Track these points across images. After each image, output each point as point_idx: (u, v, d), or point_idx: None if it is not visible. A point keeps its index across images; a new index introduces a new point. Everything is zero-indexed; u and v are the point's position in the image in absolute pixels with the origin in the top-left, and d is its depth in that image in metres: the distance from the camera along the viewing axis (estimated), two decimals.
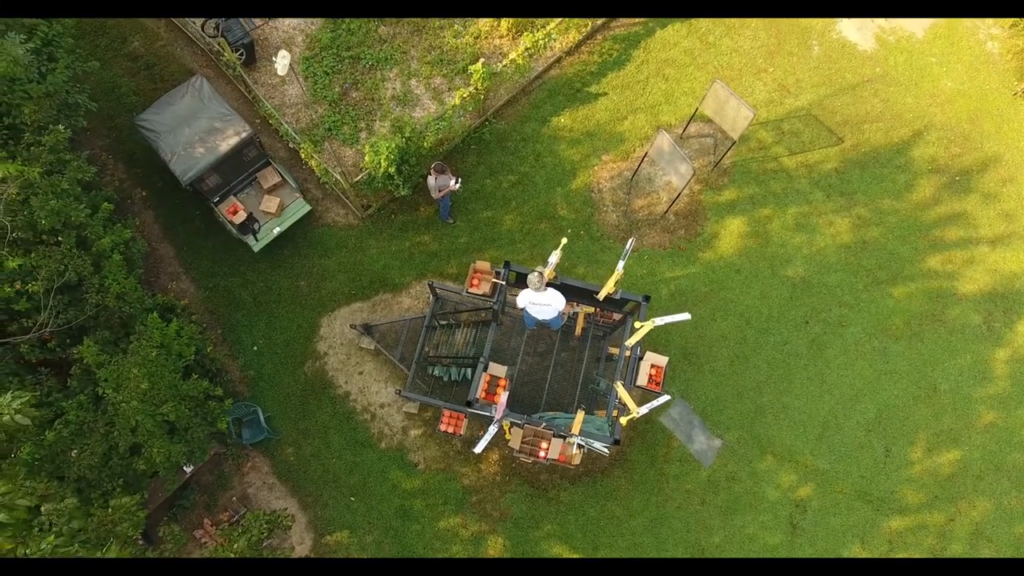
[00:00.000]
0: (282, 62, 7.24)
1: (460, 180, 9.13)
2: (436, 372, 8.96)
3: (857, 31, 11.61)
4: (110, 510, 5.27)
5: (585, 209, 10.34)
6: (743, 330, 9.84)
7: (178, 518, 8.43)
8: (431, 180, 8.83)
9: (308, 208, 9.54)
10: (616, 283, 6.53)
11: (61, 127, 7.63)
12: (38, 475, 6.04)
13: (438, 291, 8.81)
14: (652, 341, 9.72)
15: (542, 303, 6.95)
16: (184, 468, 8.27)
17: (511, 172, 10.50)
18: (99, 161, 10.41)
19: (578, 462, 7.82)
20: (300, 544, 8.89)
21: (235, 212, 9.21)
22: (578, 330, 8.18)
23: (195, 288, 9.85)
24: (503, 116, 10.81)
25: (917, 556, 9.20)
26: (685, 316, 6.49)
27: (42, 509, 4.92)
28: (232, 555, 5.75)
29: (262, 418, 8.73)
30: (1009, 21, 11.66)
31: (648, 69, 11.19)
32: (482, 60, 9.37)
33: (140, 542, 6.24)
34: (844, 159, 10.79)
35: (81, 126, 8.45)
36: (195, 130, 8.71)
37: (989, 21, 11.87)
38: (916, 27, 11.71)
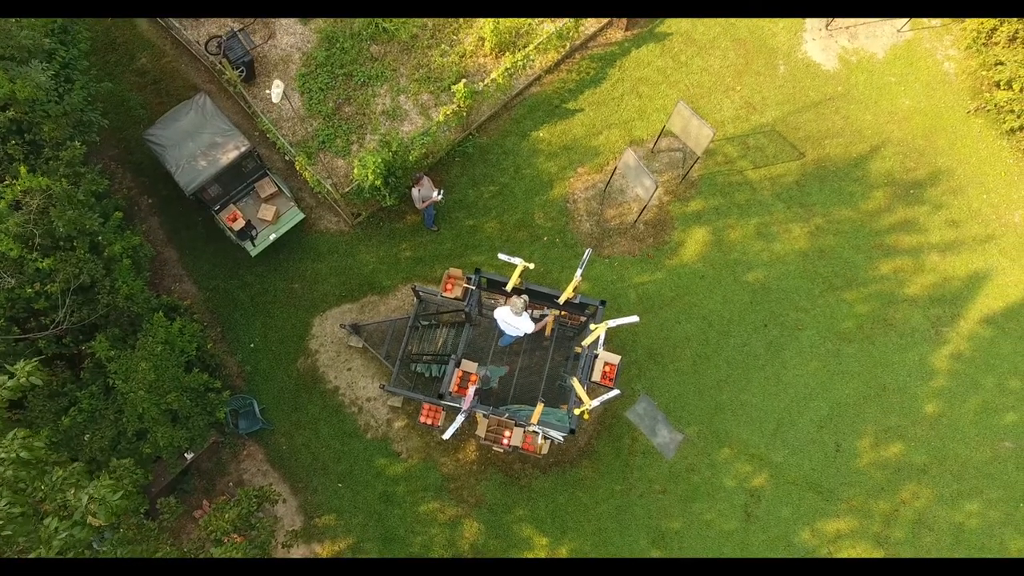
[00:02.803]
0: (276, 91, 7.99)
1: (442, 192, 9.87)
2: (418, 368, 9.70)
3: (821, 51, 12.33)
4: (112, 469, 6.02)
5: (560, 218, 11.08)
6: (705, 332, 10.57)
7: (180, 499, 9.18)
8: (415, 192, 9.57)
9: (302, 216, 10.29)
10: (575, 289, 7.25)
11: (77, 143, 8.39)
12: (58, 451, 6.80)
13: (421, 295, 9.56)
14: (620, 341, 10.48)
15: (513, 323, 7.71)
16: (185, 455, 9.02)
17: (492, 183, 11.24)
18: (109, 171, 11.18)
19: (545, 451, 8.55)
20: (292, 526, 9.63)
21: (234, 219, 9.96)
22: (547, 331, 8.90)
23: (197, 289, 10.61)
24: (486, 130, 11.56)
25: (863, 542, 9.91)
26: (634, 319, 7.20)
27: (56, 472, 5.66)
28: (225, 525, 6.46)
29: (257, 410, 9.49)
30: (965, 43, 12.39)
31: (623, 87, 11.92)
32: (464, 81, 10.12)
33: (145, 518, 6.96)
34: (805, 172, 11.51)
35: (95, 141, 9.22)
36: (198, 144, 9.48)
37: (947, 42, 12.59)
38: (877, 48, 12.42)
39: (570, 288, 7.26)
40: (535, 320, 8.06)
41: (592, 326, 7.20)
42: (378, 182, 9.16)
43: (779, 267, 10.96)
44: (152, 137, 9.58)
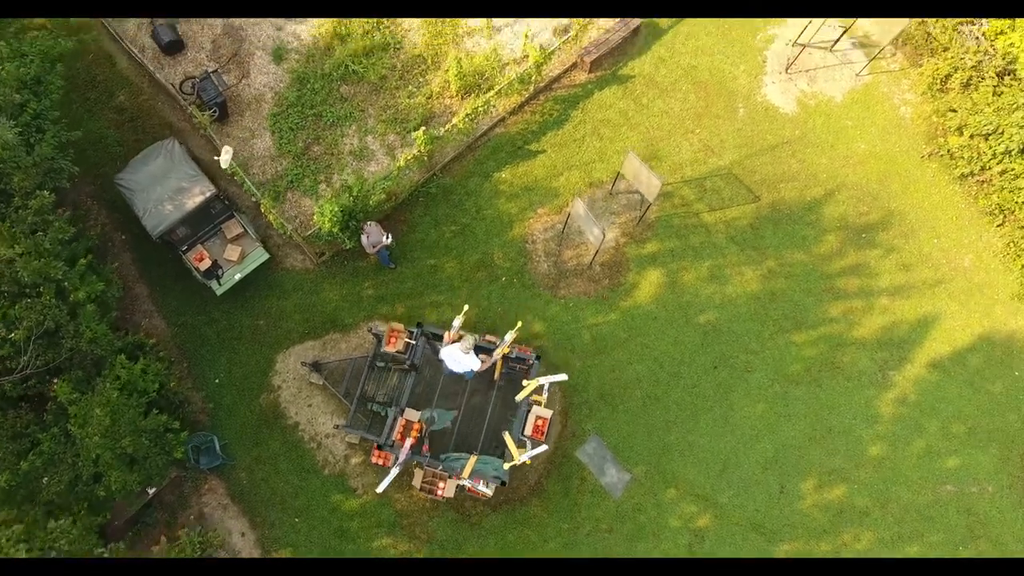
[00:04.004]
0: (225, 157, 8.35)
1: (391, 235, 10.20)
2: (375, 407, 10.06)
3: (781, 95, 12.62)
4: (48, 531, 6.40)
5: (519, 259, 11.41)
6: (656, 373, 10.88)
7: (140, 533, 9.56)
8: (364, 239, 9.93)
9: (267, 256, 10.66)
10: (510, 346, 7.58)
11: (46, 192, 8.78)
12: (12, 499, 7.17)
13: (379, 336, 9.92)
14: (573, 382, 10.78)
15: (461, 362, 8.04)
16: (147, 489, 9.39)
17: (454, 223, 11.58)
18: (84, 207, 11.57)
19: (491, 494, 8.89)
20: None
21: (201, 259, 10.34)
22: (497, 374, 9.24)
23: (165, 325, 10.99)
24: (450, 170, 11.90)
25: None
26: (563, 376, 7.53)
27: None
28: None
29: (218, 446, 9.85)
30: (921, 88, 12.65)
31: (584, 128, 12.25)
32: (423, 129, 10.47)
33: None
34: (759, 216, 11.81)
35: (64, 187, 9.61)
36: (165, 189, 9.86)
37: (904, 86, 12.86)
38: (836, 91, 12.71)
39: (500, 352, 7.61)
40: (483, 357, 8.34)
41: (525, 382, 7.53)
42: (335, 229, 9.52)
43: (731, 309, 11.26)
44: (122, 181, 9.98)
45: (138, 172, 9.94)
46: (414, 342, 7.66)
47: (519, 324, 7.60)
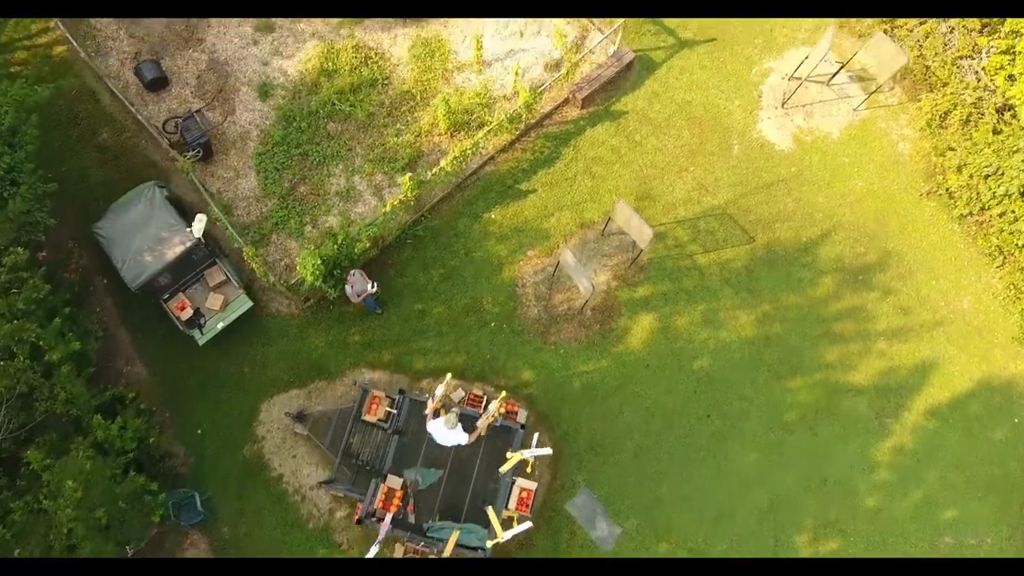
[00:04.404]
0: (197, 226, 8.13)
1: (376, 284, 9.97)
2: (361, 460, 9.83)
3: (776, 131, 12.37)
4: None
5: (509, 303, 11.18)
6: (648, 423, 10.66)
7: None
8: (348, 289, 9.71)
9: (250, 304, 10.44)
10: (494, 416, 7.38)
11: (20, 249, 8.57)
12: None
13: (365, 389, 9.70)
14: (562, 432, 10.58)
15: (448, 437, 7.84)
16: (127, 547, 9.19)
17: (442, 266, 11.35)
18: (65, 249, 11.34)
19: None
20: None
21: (182, 308, 10.13)
22: (482, 431, 9.01)
23: (147, 372, 10.78)
24: (438, 211, 11.67)
25: None
26: (547, 451, 7.33)
27: None
28: None
29: (199, 503, 9.64)
30: (920, 123, 12.39)
31: (576, 167, 12.01)
32: (409, 175, 10.23)
33: None
34: (754, 257, 11.57)
35: (40, 240, 9.40)
36: (145, 239, 9.64)
37: (902, 121, 12.60)
38: (832, 127, 12.46)
39: (483, 426, 7.40)
40: (469, 429, 8.17)
41: (509, 454, 7.33)
42: (318, 283, 9.31)
43: (724, 355, 11.03)
44: (100, 230, 9.76)
45: (117, 220, 9.73)
46: (395, 411, 7.45)
47: (503, 394, 7.41)
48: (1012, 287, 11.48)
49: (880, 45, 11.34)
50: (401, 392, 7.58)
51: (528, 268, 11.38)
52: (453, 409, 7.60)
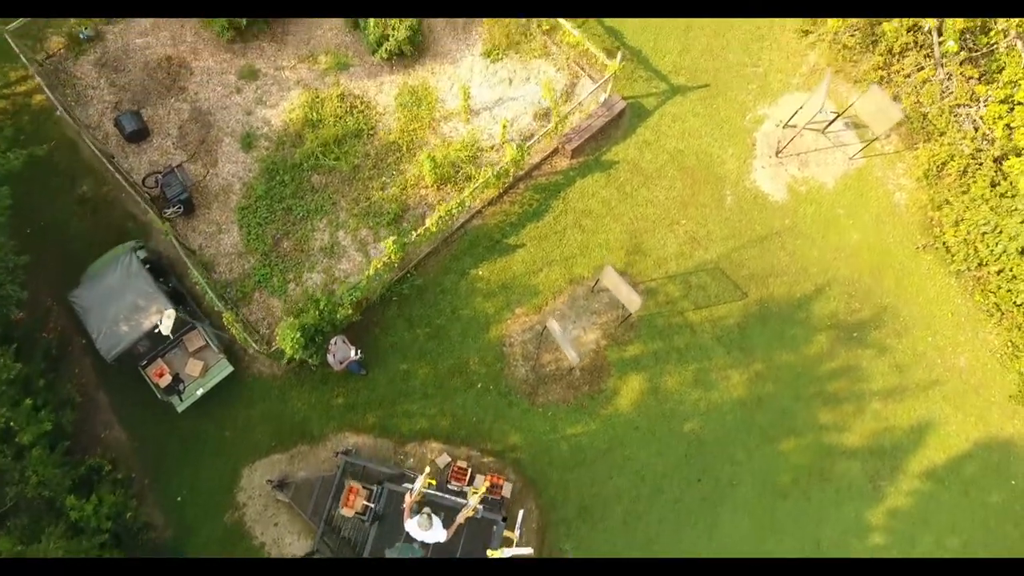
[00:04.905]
0: (167, 323, 7.92)
1: (359, 349, 9.76)
2: (344, 535, 9.63)
3: (770, 180, 12.13)
4: None
5: (496, 364, 10.95)
6: (638, 487, 10.45)
7: None
8: (330, 358, 9.50)
9: (231, 370, 10.23)
10: (473, 511, 7.17)
11: None
12: None
13: (348, 451, 9.50)
14: (550, 497, 10.37)
15: (426, 536, 7.62)
16: None
17: (428, 324, 11.12)
18: (43, 308, 11.10)
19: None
20: None
21: (161, 375, 9.92)
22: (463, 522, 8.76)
23: (126, 436, 10.56)
24: (425, 267, 11.42)
25: None
26: (528, 551, 7.12)
27: None
28: None
29: None
30: (918, 173, 12.13)
31: (566, 220, 11.76)
32: (392, 239, 9.99)
33: None
34: (747, 314, 11.34)
35: (13, 316, 9.18)
36: (120, 308, 9.42)
37: (899, 170, 12.34)
38: (827, 177, 12.21)
39: (464, 516, 7.20)
40: (448, 523, 7.93)
41: (489, 552, 7.13)
42: (297, 356, 9.09)
43: (716, 417, 10.81)
44: (76, 299, 9.54)
45: (92, 289, 9.50)
46: (373, 504, 7.25)
47: (485, 484, 7.22)
48: (1010, 344, 11.25)
49: (875, 98, 11.09)
50: (380, 483, 7.38)
51: (516, 327, 11.15)
52: (425, 510, 7.36)
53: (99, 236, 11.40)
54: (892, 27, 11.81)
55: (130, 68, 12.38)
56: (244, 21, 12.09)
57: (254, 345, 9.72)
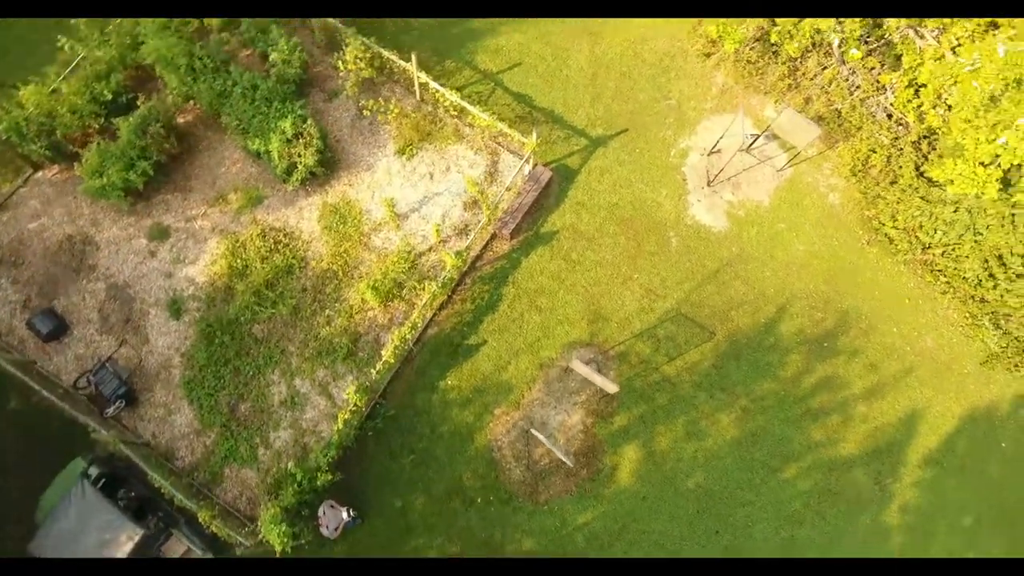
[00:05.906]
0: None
1: (350, 509, 9.37)
2: None
3: (708, 212, 12.12)
4: None
5: (489, 473, 10.69)
6: (658, 557, 10.42)
7: None
8: (323, 531, 9.11)
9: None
10: None
11: None
12: None
13: None
14: None
15: None
16: None
17: (411, 450, 10.75)
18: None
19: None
20: None
21: None
22: None
23: None
24: (392, 392, 11.00)
25: None
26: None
27: None
28: None
29: None
30: (845, 171, 12.31)
31: (521, 304, 11.52)
32: (353, 388, 9.56)
33: None
34: (719, 353, 11.35)
35: None
36: (87, 546, 8.77)
37: (826, 171, 12.50)
38: (761, 194, 12.28)
39: None
40: None
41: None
42: (288, 548, 8.66)
43: (716, 464, 10.82)
44: (38, 551, 8.83)
45: (50, 536, 8.81)
46: None
47: None
48: (968, 315, 11.58)
49: (790, 119, 11.15)
50: None
51: (499, 428, 10.90)
52: None
53: (43, 457, 10.52)
54: (784, 34, 11.83)
55: (30, 258, 11.51)
56: (141, 183, 11.28)
57: (241, 539, 9.22)
